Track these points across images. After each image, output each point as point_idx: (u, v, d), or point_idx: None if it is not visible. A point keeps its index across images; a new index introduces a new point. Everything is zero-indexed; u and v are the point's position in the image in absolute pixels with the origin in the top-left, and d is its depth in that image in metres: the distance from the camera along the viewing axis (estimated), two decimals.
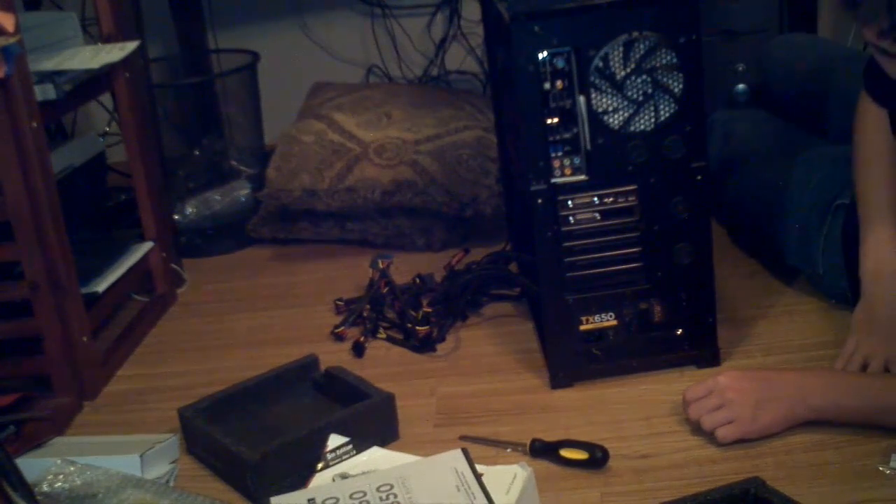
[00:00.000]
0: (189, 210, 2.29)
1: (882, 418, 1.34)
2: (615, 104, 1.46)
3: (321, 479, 1.31)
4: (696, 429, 1.40)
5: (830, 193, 1.67)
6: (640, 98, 1.46)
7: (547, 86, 1.45)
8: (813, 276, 1.73)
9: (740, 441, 1.37)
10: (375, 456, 1.36)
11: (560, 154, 1.48)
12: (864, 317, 1.51)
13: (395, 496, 1.23)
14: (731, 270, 1.84)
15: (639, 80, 1.45)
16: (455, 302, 1.82)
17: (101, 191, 2.24)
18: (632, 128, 1.47)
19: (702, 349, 1.57)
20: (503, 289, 1.88)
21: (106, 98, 2.39)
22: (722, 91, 2.25)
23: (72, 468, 1.38)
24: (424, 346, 1.75)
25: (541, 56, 1.44)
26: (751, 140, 1.97)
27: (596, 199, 1.50)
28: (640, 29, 1.43)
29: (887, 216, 1.50)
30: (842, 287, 1.65)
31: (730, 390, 1.37)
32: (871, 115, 1.53)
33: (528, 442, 1.42)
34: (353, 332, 1.81)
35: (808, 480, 1.29)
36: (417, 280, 1.92)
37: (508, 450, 1.44)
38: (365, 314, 1.83)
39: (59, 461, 1.40)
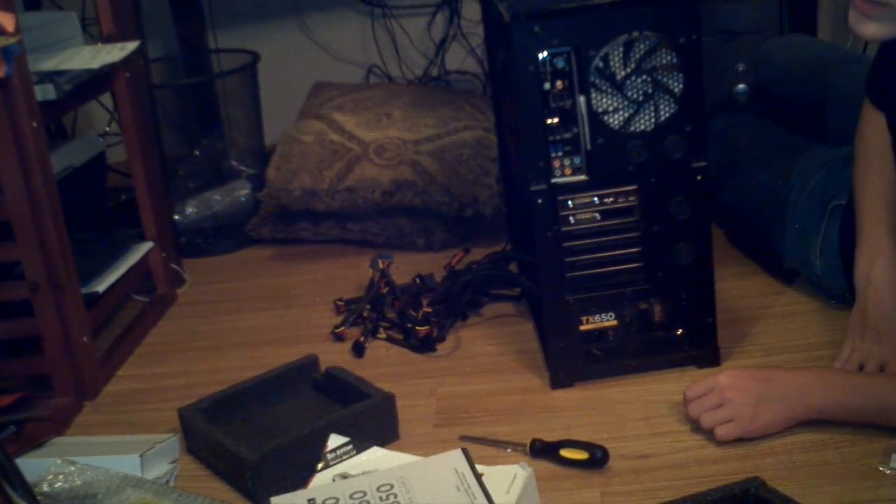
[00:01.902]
0: (189, 210, 2.29)
1: (882, 418, 1.34)
2: (615, 104, 1.46)
3: (321, 479, 1.31)
4: (696, 427, 1.41)
5: (827, 195, 1.67)
6: (640, 98, 1.46)
7: (547, 86, 1.45)
8: (811, 277, 1.73)
9: (739, 440, 1.37)
10: (375, 456, 1.36)
11: (560, 154, 1.48)
12: (858, 320, 1.52)
13: (395, 496, 1.23)
14: (731, 270, 1.84)
15: (639, 81, 1.45)
16: (455, 302, 1.82)
17: (101, 191, 2.24)
18: (632, 128, 1.47)
19: (702, 349, 1.57)
20: (503, 289, 1.88)
21: (106, 98, 2.39)
22: (722, 91, 2.25)
23: (72, 468, 1.38)
24: (424, 346, 1.75)
25: (541, 56, 1.44)
26: (749, 144, 1.97)
27: (596, 199, 1.50)
28: (640, 29, 1.43)
29: (883, 222, 1.51)
30: (840, 288, 1.65)
31: (730, 389, 1.38)
32: (872, 121, 1.54)
33: (528, 442, 1.42)
34: (353, 332, 1.81)
35: (808, 480, 1.29)
36: (417, 280, 1.92)
37: (508, 450, 1.44)
38: (365, 314, 1.83)
39: (59, 461, 1.40)
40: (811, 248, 1.69)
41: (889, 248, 1.50)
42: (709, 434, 1.39)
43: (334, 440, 1.36)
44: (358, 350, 1.76)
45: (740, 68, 2.25)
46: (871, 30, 1.28)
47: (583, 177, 1.49)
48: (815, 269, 1.70)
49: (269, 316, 1.96)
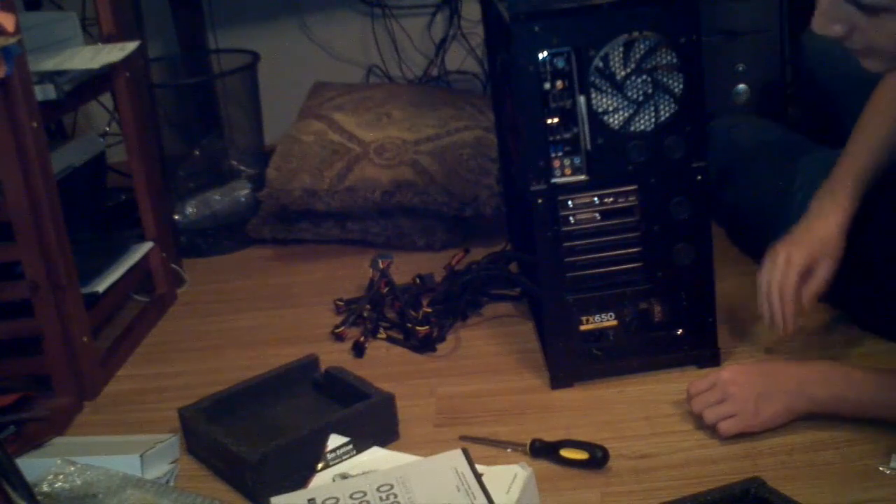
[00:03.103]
0: (189, 210, 2.29)
1: (882, 412, 1.34)
2: (615, 104, 1.46)
3: (321, 479, 1.31)
4: (698, 424, 1.41)
5: None
6: (640, 98, 1.46)
7: (547, 86, 1.45)
8: None
9: (742, 435, 1.37)
10: (375, 456, 1.36)
11: (560, 154, 1.48)
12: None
13: (395, 496, 1.23)
14: (731, 270, 1.84)
15: (639, 81, 1.45)
16: (455, 302, 1.82)
17: (101, 191, 2.24)
18: (632, 128, 1.47)
19: (702, 349, 1.57)
20: (503, 289, 1.88)
21: (106, 98, 2.39)
22: (722, 91, 2.25)
23: (72, 468, 1.38)
24: (424, 346, 1.75)
25: (541, 56, 1.44)
26: (751, 145, 1.97)
27: (596, 199, 1.50)
28: (640, 29, 1.43)
29: (858, 167, 1.52)
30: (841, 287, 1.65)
31: (732, 384, 1.38)
32: (889, 85, 1.53)
33: (528, 442, 1.42)
34: (353, 332, 1.81)
35: (808, 480, 1.29)
36: (417, 280, 1.92)
37: (508, 450, 1.44)
38: (365, 314, 1.83)
39: (59, 461, 1.40)
40: None
41: (850, 205, 1.51)
42: (709, 434, 1.39)
43: (334, 440, 1.36)
44: (358, 350, 1.76)
45: (740, 68, 2.25)
46: (870, 65, 1.29)
47: (583, 177, 1.49)
48: None
49: (269, 316, 1.96)
